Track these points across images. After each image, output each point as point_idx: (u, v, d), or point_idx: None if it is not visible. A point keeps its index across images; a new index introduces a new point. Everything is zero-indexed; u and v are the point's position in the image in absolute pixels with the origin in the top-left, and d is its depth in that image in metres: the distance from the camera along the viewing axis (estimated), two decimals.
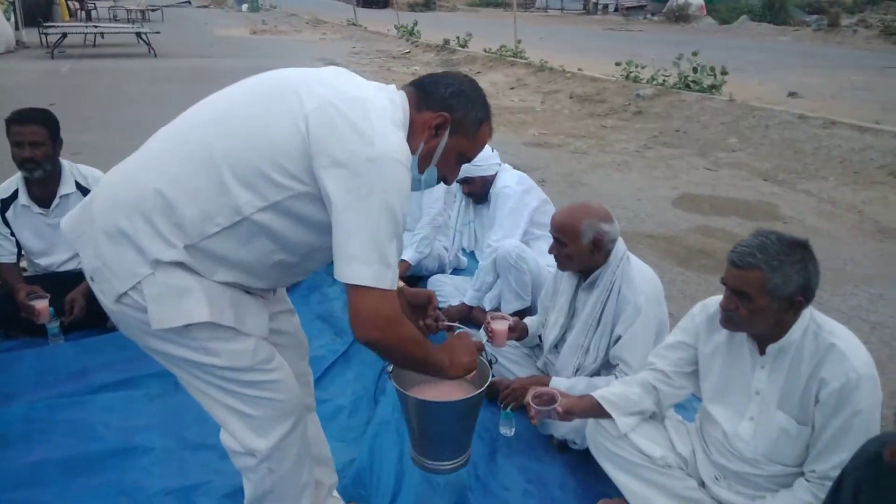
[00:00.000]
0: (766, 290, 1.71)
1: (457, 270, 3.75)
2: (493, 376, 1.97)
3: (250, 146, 1.41)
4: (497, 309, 3.11)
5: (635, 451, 2.04)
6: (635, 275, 2.37)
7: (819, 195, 5.61)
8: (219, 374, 1.52)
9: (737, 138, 7.18)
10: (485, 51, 14.25)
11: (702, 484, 2.03)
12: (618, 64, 10.26)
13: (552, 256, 2.54)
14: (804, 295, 1.74)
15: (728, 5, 26.19)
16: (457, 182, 3.20)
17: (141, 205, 1.42)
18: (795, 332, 1.79)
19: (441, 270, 3.63)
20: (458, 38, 15.80)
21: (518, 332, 2.70)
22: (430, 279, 3.56)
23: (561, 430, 2.43)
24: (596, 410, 2.04)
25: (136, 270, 1.42)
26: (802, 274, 1.72)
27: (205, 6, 36.40)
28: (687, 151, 6.93)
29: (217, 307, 1.47)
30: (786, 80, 10.31)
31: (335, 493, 2.03)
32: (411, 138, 1.50)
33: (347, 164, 1.35)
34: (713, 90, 8.61)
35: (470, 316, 3.20)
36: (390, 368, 1.85)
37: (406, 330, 1.48)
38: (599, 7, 31.33)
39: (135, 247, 1.42)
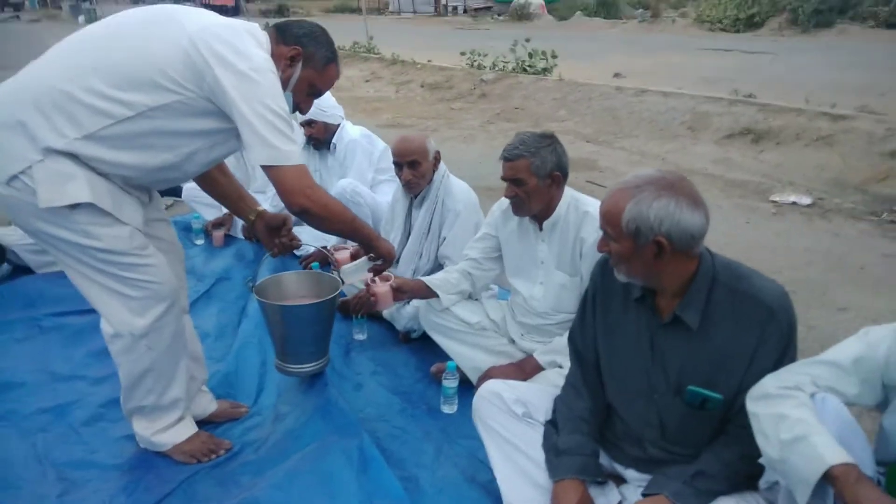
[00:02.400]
0: (531, 171, 2.17)
1: None
2: (343, 294, 2.27)
3: (138, 56, 1.63)
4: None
5: (456, 320, 2.50)
6: (454, 188, 2.84)
7: (631, 150, 6.50)
8: (99, 257, 1.72)
9: (565, 111, 8.04)
10: (339, 48, 14.49)
11: (511, 341, 2.53)
12: (462, 54, 10.97)
13: (391, 206, 2.99)
14: (560, 170, 2.22)
15: (566, 4, 28.19)
16: (301, 126, 3.55)
17: (38, 98, 1.61)
18: (561, 207, 2.28)
19: (297, 223, 3.91)
20: None
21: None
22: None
23: (401, 322, 2.86)
24: (423, 291, 2.46)
25: (28, 156, 1.60)
26: (554, 154, 2.19)
27: (36, 20, 33.55)
28: (524, 125, 7.66)
29: (98, 193, 1.67)
30: (612, 64, 11.47)
31: (204, 388, 2.29)
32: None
33: (235, 73, 1.61)
34: (546, 72, 9.51)
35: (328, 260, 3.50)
36: (252, 285, 2.17)
37: (326, 195, 1.80)
38: (449, 9, 32.54)
39: (29, 136, 1.60)
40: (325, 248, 3.29)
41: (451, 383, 2.35)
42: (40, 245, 1.80)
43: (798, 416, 1.29)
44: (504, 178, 2.25)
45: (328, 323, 2.27)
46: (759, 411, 1.38)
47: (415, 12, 34.26)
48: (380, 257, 2.07)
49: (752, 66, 11.37)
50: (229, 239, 3.99)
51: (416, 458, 2.09)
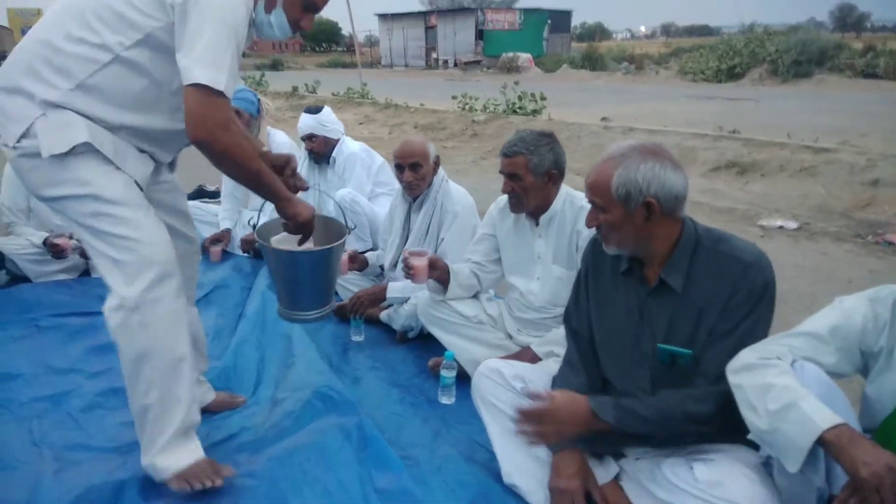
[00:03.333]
0: (528, 168, 2.24)
1: None
2: (349, 231, 2.16)
3: None
4: None
5: (454, 313, 2.53)
6: (453, 192, 2.92)
7: None
8: (93, 208, 1.65)
9: None
10: (333, 94, 14.88)
11: (508, 336, 2.56)
12: (454, 97, 11.27)
13: (390, 212, 3.06)
14: (557, 168, 2.30)
15: (552, 58, 29.17)
16: (302, 139, 3.64)
17: (28, 57, 1.63)
18: (557, 202, 2.35)
19: None
20: (306, 85, 16.37)
21: (358, 264, 3.14)
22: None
23: (399, 320, 2.88)
24: (445, 274, 2.48)
25: (28, 113, 1.62)
26: (552, 153, 2.27)
27: None
28: None
29: (97, 137, 1.65)
30: (599, 111, 11.80)
31: (202, 378, 2.26)
32: None
33: None
34: (535, 114, 9.76)
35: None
36: (257, 224, 2.07)
37: (235, 138, 1.62)
38: (440, 63, 33.47)
39: (26, 94, 1.62)
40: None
41: (449, 373, 2.37)
42: (58, 217, 1.77)
43: (783, 384, 1.30)
44: (501, 173, 2.33)
45: (335, 268, 2.13)
46: (743, 382, 1.39)
47: (406, 65, 35.24)
48: (287, 219, 1.84)
49: (735, 111, 11.75)
50: (226, 255, 4.03)
51: (414, 440, 2.09)
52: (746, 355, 1.43)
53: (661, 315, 1.64)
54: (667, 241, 1.60)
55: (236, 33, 1.60)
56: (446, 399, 2.38)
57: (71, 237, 3.46)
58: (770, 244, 4.58)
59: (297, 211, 1.82)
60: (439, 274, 2.46)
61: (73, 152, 1.63)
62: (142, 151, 1.79)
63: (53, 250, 3.44)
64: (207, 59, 1.55)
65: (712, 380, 1.53)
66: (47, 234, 3.47)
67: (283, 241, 2.06)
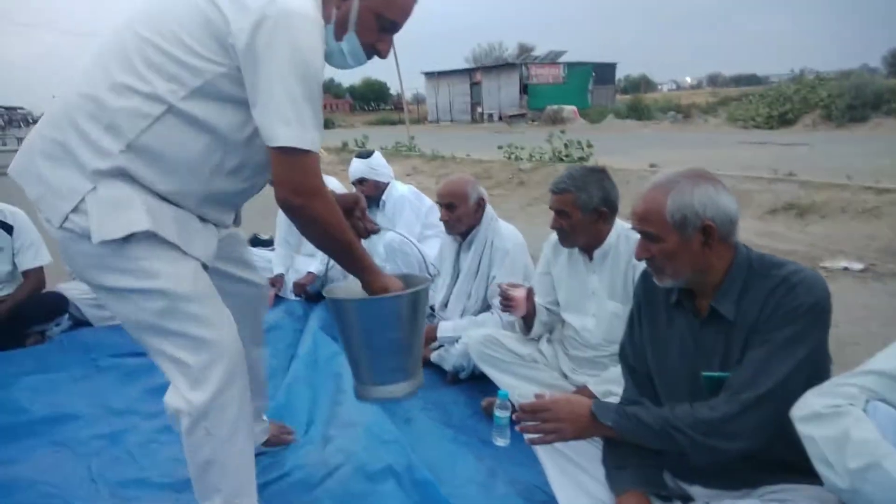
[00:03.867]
0: (576, 206, 2.22)
1: None
2: (433, 279, 2.02)
3: (154, 31, 1.38)
4: None
5: (507, 351, 2.48)
6: (503, 230, 2.91)
7: None
8: (157, 306, 1.45)
9: None
10: (381, 148, 15.24)
11: (563, 376, 2.48)
12: (500, 147, 11.40)
13: (440, 252, 3.06)
14: (607, 206, 2.26)
15: (597, 110, 29.35)
16: (353, 183, 3.71)
17: (71, 113, 1.40)
18: (611, 237, 2.32)
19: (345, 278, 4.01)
20: (356, 140, 16.84)
21: None
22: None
23: (450, 360, 2.83)
24: (532, 306, 2.43)
25: (78, 186, 1.38)
26: (602, 190, 2.24)
27: None
28: None
29: (158, 219, 1.43)
30: (647, 157, 11.69)
31: (264, 417, 2.22)
32: (324, 7, 1.47)
33: (253, 23, 1.32)
34: (582, 161, 9.76)
35: None
36: (323, 283, 1.86)
37: (328, 205, 1.45)
38: (485, 117, 34.08)
39: (73, 160, 1.39)
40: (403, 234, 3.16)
41: (503, 413, 2.29)
42: (101, 301, 1.58)
43: (862, 438, 1.19)
44: (551, 208, 2.31)
45: (421, 323, 1.75)
46: (815, 434, 1.27)
47: (452, 120, 36.01)
48: (372, 293, 1.63)
49: (789, 155, 11.48)
50: (279, 299, 4.08)
51: (467, 480, 2.03)
52: (814, 400, 1.31)
53: (716, 345, 1.55)
54: (721, 269, 1.53)
55: (316, 75, 1.38)
56: (501, 440, 2.30)
57: None
58: (835, 285, 4.38)
59: (384, 285, 1.61)
60: (528, 305, 2.42)
61: (133, 237, 1.42)
62: (204, 220, 1.58)
63: None
64: (290, 115, 1.35)
65: (733, 392, 1.43)
66: None
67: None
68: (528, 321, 2.46)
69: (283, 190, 1.39)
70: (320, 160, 1.45)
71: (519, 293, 2.34)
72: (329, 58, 1.53)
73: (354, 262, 1.57)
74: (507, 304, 2.34)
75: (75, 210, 1.39)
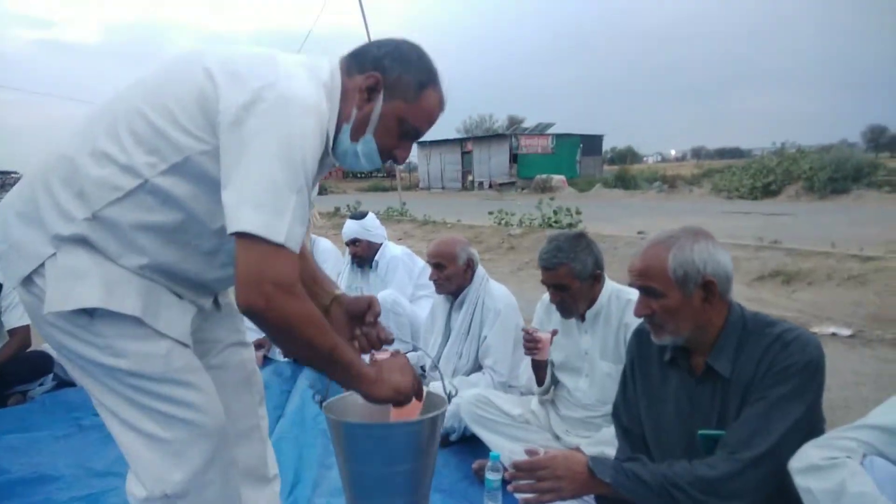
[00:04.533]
0: (574, 276, 2.25)
1: None
2: (449, 402, 1.77)
3: (146, 102, 1.29)
4: None
5: (499, 412, 2.46)
6: (494, 290, 2.93)
7: None
8: (127, 381, 1.31)
9: None
10: (374, 213, 15.41)
11: (556, 437, 2.45)
12: (490, 213, 11.57)
13: (431, 311, 3.05)
14: (599, 268, 2.31)
15: (585, 179, 29.97)
16: (346, 244, 3.74)
17: (46, 174, 1.31)
18: (603, 297, 2.34)
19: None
20: (348, 205, 17.05)
21: None
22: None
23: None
24: (543, 373, 2.45)
25: (39, 250, 1.28)
26: (591, 254, 2.29)
27: None
28: None
29: (117, 294, 1.28)
30: (635, 225, 11.90)
31: None
32: (343, 105, 1.36)
33: (244, 102, 1.20)
34: (571, 227, 9.90)
35: None
36: (322, 399, 1.63)
37: (303, 305, 1.22)
38: (476, 184, 34.65)
39: (40, 222, 1.29)
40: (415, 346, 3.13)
41: (494, 476, 2.25)
42: (64, 363, 1.41)
43: (858, 491, 1.20)
44: (545, 284, 2.32)
45: (434, 451, 1.56)
46: (812, 486, 1.28)
47: (443, 188, 36.56)
48: (373, 403, 1.43)
49: (773, 224, 11.71)
50: (267, 360, 4.03)
51: None
52: (812, 453, 1.32)
53: (712, 403, 1.56)
54: (717, 325, 1.54)
55: (305, 165, 1.21)
56: None
57: None
58: (825, 350, 4.38)
59: (388, 391, 1.39)
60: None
61: (96, 311, 1.28)
62: (179, 296, 1.40)
63: None
64: (264, 199, 1.16)
65: (731, 450, 1.43)
66: None
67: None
68: (541, 370, 2.44)
69: (243, 289, 1.16)
70: (299, 252, 1.23)
71: (545, 335, 2.33)
72: (341, 158, 1.42)
73: (342, 372, 1.31)
74: (533, 346, 2.33)
75: (37, 273, 1.29)
